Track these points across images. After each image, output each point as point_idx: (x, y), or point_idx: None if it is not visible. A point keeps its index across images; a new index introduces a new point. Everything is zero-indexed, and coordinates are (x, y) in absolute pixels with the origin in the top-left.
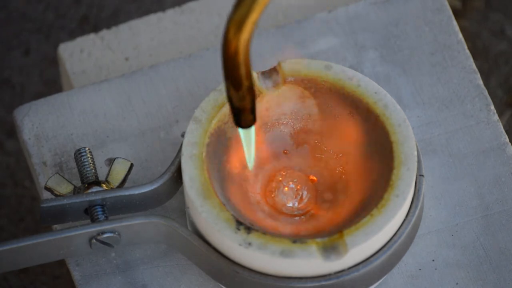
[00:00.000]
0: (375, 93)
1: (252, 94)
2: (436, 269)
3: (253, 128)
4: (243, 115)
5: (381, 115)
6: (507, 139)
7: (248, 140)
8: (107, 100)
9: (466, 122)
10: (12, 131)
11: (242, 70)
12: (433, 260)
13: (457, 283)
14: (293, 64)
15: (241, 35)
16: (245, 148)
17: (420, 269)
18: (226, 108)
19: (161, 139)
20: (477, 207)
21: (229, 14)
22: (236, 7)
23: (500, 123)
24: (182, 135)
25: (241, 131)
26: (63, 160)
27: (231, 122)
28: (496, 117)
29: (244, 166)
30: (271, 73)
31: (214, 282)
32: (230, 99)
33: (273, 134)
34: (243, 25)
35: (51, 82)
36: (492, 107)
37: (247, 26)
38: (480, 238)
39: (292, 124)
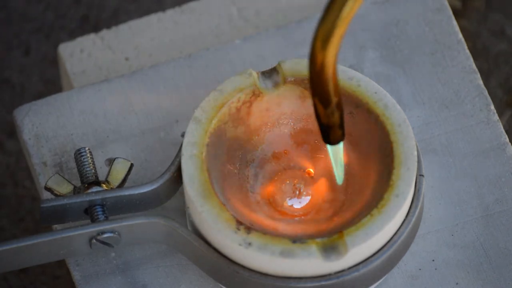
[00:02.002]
0: (375, 93)
1: (340, 109)
2: (436, 269)
3: (341, 144)
4: (332, 131)
5: (381, 115)
6: (507, 139)
7: (337, 156)
8: (107, 100)
9: (466, 122)
10: (12, 131)
11: (331, 86)
12: (433, 260)
13: (457, 283)
14: (293, 64)
15: (328, 50)
16: (333, 164)
17: (420, 269)
18: (226, 108)
19: (161, 139)
20: (477, 207)
21: (315, 28)
22: (322, 21)
23: (500, 123)
24: (182, 135)
25: (329, 147)
26: (63, 160)
27: (231, 122)
28: (496, 117)
29: (245, 166)
30: (271, 73)
31: (214, 282)
32: (318, 116)
33: (273, 134)
34: (330, 39)
35: (51, 82)
36: (492, 107)
37: (334, 40)
38: (480, 238)
39: (292, 124)
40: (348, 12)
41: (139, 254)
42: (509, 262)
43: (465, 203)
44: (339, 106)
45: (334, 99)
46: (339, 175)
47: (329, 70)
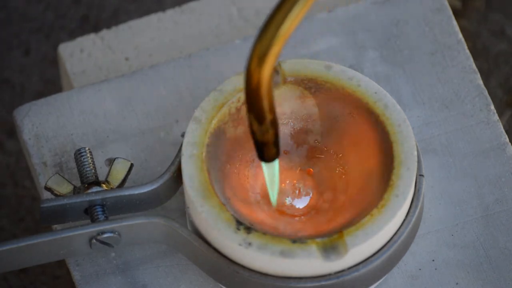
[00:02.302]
0: (375, 93)
1: (275, 127)
2: (436, 269)
3: (276, 162)
4: (266, 148)
5: (381, 115)
6: (507, 139)
7: (271, 174)
8: (107, 100)
9: (466, 122)
10: (12, 131)
11: (265, 103)
12: (433, 260)
13: (457, 283)
14: (293, 64)
15: (263, 68)
16: (267, 182)
17: (420, 269)
18: (226, 108)
19: (161, 139)
20: (477, 207)
21: (251, 46)
22: (258, 39)
23: (500, 123)
24: (182, 135)
25: (264, 164)
26: (63, 160)
27: (231, 122)
28: (496, 117)
29: (245, 166)
30: None
31: (214, 282)
32: (253, 133)
33: None
34: (265, 58)
35: (51, 82)
36: (492, 107)
37: (269, 59)
38: (480, 238)
39: (292, 124)
40: (286, 31)
41: (139, 254)
42: (509, 262)
43: (465, 203)
44: (274, 124)
45: (268, 116)
46: (273, 195)
47: (264, 87)
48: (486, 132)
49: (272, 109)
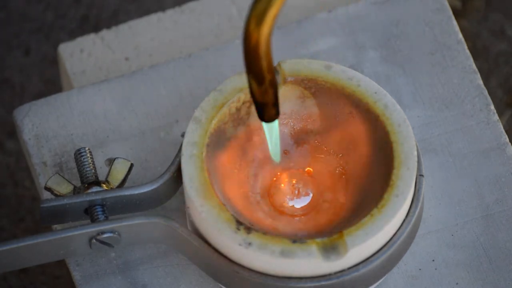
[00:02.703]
0: (375, 93)
1: (274, 87)
2: (436, 269)
3: (276, 122)
4: (266, 109)
5: (381, 115)
6: (507, 139)
7: (272, 134)
8: (107, 100)
9: (466, 122)
10: (12, 131)
11: (264, 64)
12: (433, 260)
13: (457, 283)
14: (292, 64)
15: (261, 28)
16: (269, 142)
17: (420, 269)
18: (226, 108)
19: (161, 139)
20: (477, 207)
21: (250, 7)
22: (256, 0)
23: (500, 123)
24: (182, 135)
25: (264, 125)
26: (63, 160)
27: (231, 122)
28: (496, 117)
29: (245, 166)
30: None
31: (214, 282)
32: (252, 94)
33: None
34: (264, 18)
35: (51, 82)
36: (492, 107)
37: (268, 20)
38: (480, 238)
39: (292, 124)
40: None
41: (139, 254)
42: (509, 262)
43: (465, 203)
44: (273, 84)
45: (267, 77)
46: (275, 154)
47: (263, 48)
48: (486, 132)
49: (271, 70)
